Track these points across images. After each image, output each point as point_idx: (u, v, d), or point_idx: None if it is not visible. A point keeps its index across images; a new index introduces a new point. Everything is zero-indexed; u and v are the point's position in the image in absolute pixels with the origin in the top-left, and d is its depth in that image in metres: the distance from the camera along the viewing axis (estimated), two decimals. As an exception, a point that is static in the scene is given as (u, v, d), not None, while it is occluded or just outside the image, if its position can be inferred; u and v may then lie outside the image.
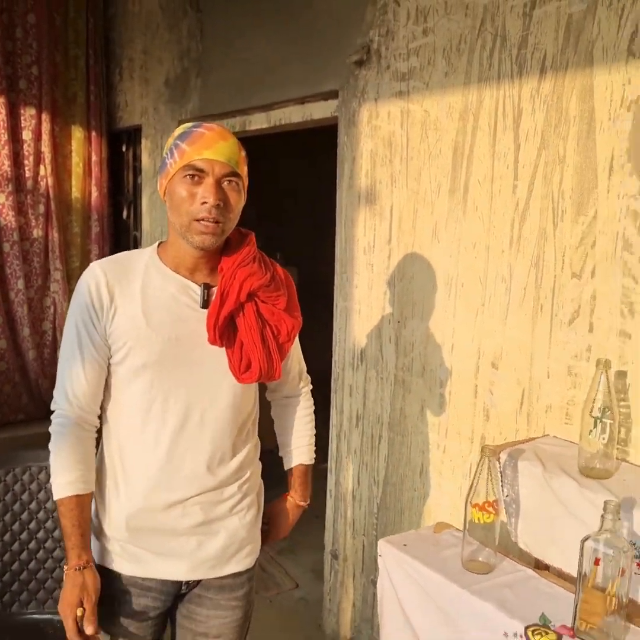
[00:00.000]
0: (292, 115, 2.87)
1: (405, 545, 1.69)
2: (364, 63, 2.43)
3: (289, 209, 5.59)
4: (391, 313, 2.41)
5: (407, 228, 2.33)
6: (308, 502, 1.79)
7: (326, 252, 3.26)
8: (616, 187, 1.76)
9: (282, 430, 1.80)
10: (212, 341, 1.47)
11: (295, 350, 1.74)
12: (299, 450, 1.76)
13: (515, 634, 1.40)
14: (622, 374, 1.77)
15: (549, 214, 1.92)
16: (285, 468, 1.78)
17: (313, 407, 1.81)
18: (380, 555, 1.71)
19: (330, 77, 2.61)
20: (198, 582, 1.59)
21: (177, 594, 1.59)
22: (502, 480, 1.72)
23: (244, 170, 1.49)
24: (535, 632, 1.38)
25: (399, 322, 2.38)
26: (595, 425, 1.62)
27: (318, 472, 3.37)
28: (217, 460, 1.54)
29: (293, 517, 1.78)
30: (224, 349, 1.49)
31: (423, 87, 2.24)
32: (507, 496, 1.72)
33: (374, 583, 2.52)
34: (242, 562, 1.60)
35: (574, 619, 1.37)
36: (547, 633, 1.38)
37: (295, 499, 1.77)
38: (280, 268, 1.60)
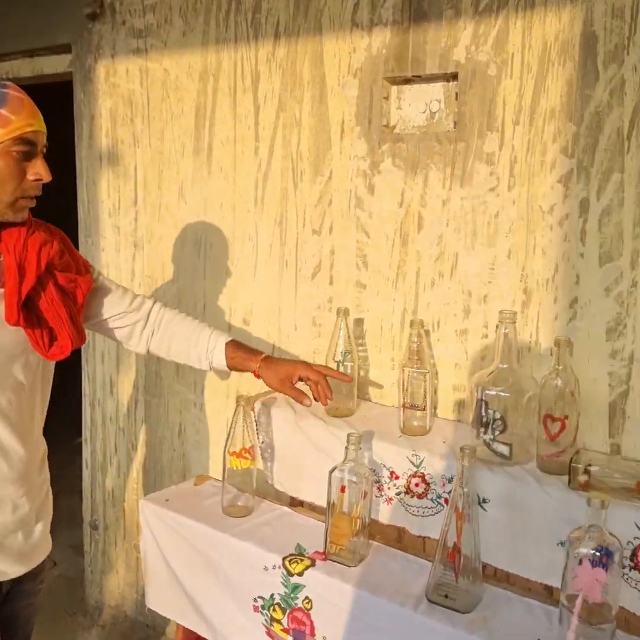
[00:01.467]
0: (21, 69, 2.67)
1: (167, 500, 1.71)
2: (97, 17, 2.33)
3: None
4: (141, 275, 2.38)
5: (152, 189, 2.31)
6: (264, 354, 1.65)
7: (73, 216, 3.10)
8: (347, 149, 1.90)
9: (179, 344, 1.66)
10: (15, 322, 1.31)
11: (101, 284, 1.59)
12: (212, 337, 1.64)
13: (274, 566, 1.50)
14: (359, 322, 1.94)
15: (289, 174, 2.02)
16: (224, 366, 1.64)
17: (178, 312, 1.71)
18: (141, 514, 1.72)
19: (62, 30, 2.47)
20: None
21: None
22: (257, 428, 1.81)
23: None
24: (292, 561, 1.49)
25: (149, 284, 2.36)
26: (337, 368, 1.76)
27: (73, 447, 3.26)
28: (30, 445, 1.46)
29: (281, 361, 1.66)
30: (20, 329, 1.34)
31: (161, 46, 2.22)
32: (262, 442, 1.81)
33: (137, 548, 2.51)
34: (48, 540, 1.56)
35: (325, 543, 1.50)
36: (302, 560, 1.49)
37: (259, 361, 1.62)
38: (53, 227, 1.48)
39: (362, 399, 1.91)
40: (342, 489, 1.47)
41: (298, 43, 1.95)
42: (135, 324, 1.64)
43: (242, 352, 1.64)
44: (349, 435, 1.46)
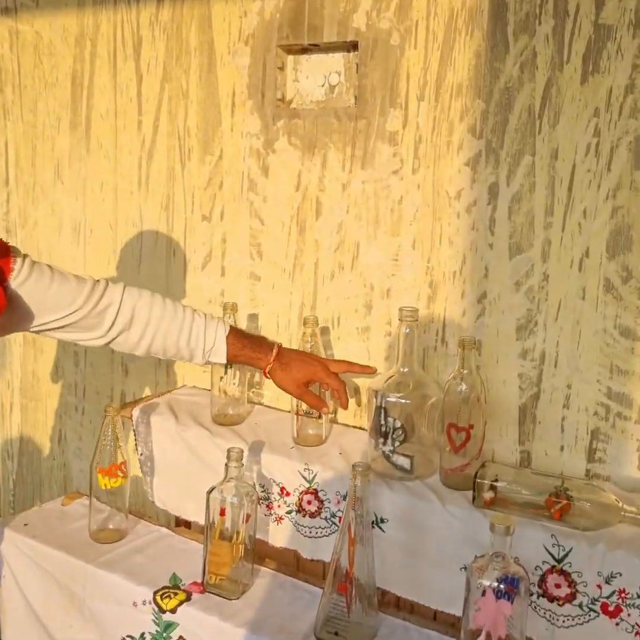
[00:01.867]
0: None
1: (26, 524, 1.49)
2: (-39, -30, 2.05)
3: None
4: (15, 265, 2.12)
5: (26, 167, 2.05)
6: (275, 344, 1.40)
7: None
8: (239, 125, 1.71)
9: (165, 338, 1.34)
10: None
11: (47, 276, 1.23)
12: (209, 327, 1.35)
13: (144, 602, 1.31)
14: (253, 317, 1.75)
15: (176, 152, 1.80)
16: (223, 359, 1.36)
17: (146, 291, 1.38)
18: (-2, 542, 1.49)
19: None
20: None
21: None
22: (135, 438, 1.60)
23: None
24: (164, 595, 1.30)
25: (24, 274, 2.11)
26: (225, 371, 1.57)
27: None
28: None
29: (297, 355, 1.40)
30: None
31: (32, 6, 1.96)
32: (141, 454, 1.61)
33: (16, 566, 2.27)
34: None
35: (203, 573, 1.32)
36: (176, 594, 1.30)
37: (269, 357, 1.37)
38: None
39: (257, 403, 1.73)
40: (222, 512, 1.28)
41: (184, 5, 1.73)
42: (102, 313, 1.29)
43: (249, 350, 1.37)
44: (229, 451, 1.28)
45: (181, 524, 1.61)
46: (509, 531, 1.03)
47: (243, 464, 1.29)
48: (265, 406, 1.73)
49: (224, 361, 1.37)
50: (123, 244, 1.92)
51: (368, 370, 1.43)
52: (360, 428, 1.61)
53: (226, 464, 1.28)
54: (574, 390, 1.40)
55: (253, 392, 1.76)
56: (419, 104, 1.49)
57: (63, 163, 1.98)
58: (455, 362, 1.47)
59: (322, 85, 1.64)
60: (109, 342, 1.33)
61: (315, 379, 1.38)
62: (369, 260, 1.59)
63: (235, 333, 1.38)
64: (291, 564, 1.45)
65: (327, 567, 1.43)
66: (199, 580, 1.33)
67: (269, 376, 1.38)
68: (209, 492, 1.29)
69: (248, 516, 1.28)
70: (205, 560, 1.31)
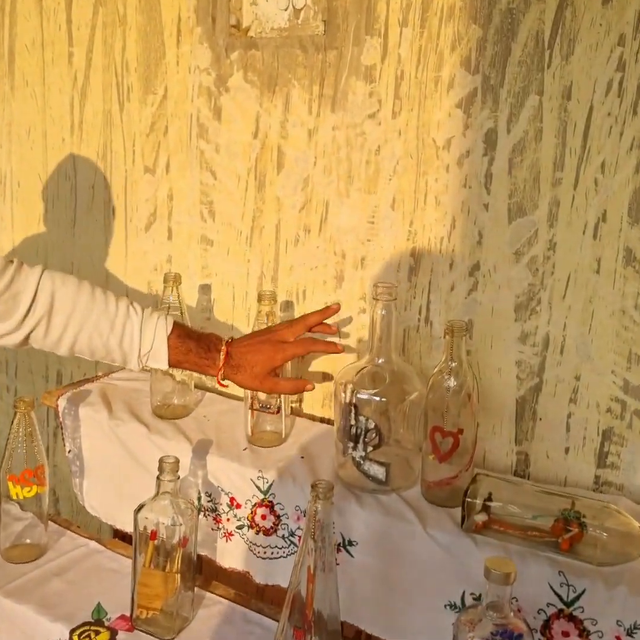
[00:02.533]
0: None
1: None
2: None
3: None
4: None
5: (-59, 108, 1.75)
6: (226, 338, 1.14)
7: None
8: (186, 57, 1.42)
9: (83, 331, 1.09)
10: None
11: None
12: (147, 326, 1.10)
13: (59, 642, 1.07)
14: (205, 289, 1.49)
15: (114, 91, 1.52)
16: (166, 365, 1.11)
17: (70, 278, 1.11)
18: None
19: None
20: None
21: None
22: (62, 433, 1.36)
23: None
24: (83, 635, 1.06)
25: (-55, 235, 1.83)
26: (167, 356, 1.31)
27: None
28: None
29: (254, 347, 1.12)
30: None
31: None
32: (69, 451, 1.36)
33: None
34: None
35: (132, 608, 1.08)
36: (98, 633, 1.07)
37: (219, 363, 1.11)
38: None
39: (208, 389, 1.48)
40: (152, 536, 1.04)
41: None
42: (14, 299, 1.05)
43: (195, 355, 1.12)
44: (161, 461, 1.03)
45: (120, 534, 1.37)
46: (509, 579, 0.79)
47: (179, 477, 1.04)
48: (218, 394, 1.48)
49: (165, 367, 1.12)
50: (55, 200, 1.64)
51: (333, 349, 1.16)
52: (329, 421, 1.37)
53: (158, 477, 1.03)
54: (584, 383, 1.17)
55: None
56: (401, 30, 1.21)
57: (-17, 104, 1.69)
58: (441, 347, 1.23)
59: (285, 10, 1.35)
60: (26, 338, 1.07)
61: (278, 365, 1.13)
62: (340, 222, 1.33)
63: (178, 333, 1.12)
64: (248, 587, 1.22)
65: (281, 591, 1.21)
66: (128, 613, 1.09)
67: (224, 384, 1.12)
68: (137, 511, 1.04)
69: (185, 540, 1.04)
70: (133, 592, 1.07)
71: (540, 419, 1.21)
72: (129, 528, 1.32)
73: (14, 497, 1.18)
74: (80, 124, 1.57)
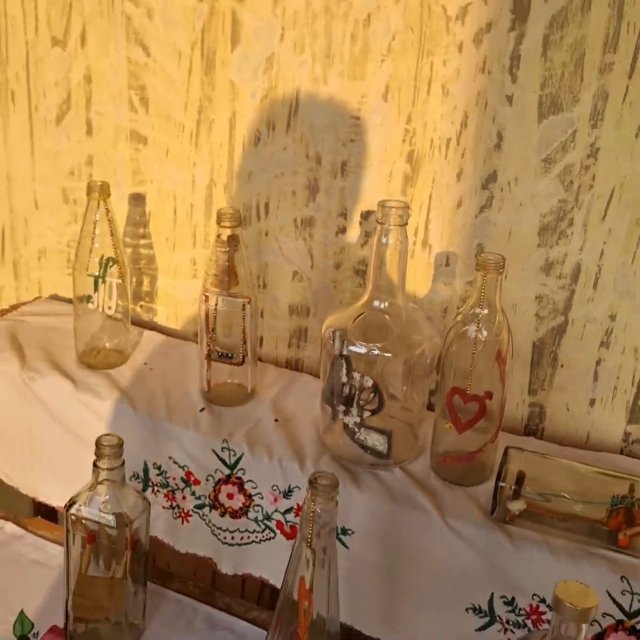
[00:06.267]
0: None
1: None
2: None
3: None
4: None
5: None
6: None
7: None
8: None
9: None
10: None
11: None
12: None
13: (-29, 670, 0.83)
14: (139, 200, 1.19)
15: None
16: None
17: None
18: None
19: None
20: None
21: None
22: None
23: None
24: (4, 661, 0.83)
25: None
26: (96, 289, 1.03)
27: None
28: None
29: None
30: None
31: None
32: (-28, 409, 1.08)
33: None
34: None
35: (66, 622, 0.84)
36: (22, 655, 0.83)
37: None
38: None
39: (146, 326, 1.21)
40: (90, 538, 0.79)
41: None
42: None
43: None
44: (98, 443, 0.76)
45: (43, 508, 1.12)
46: (588, 617, 0.59)
47: (123, 462, 0.78)
48: (159, 331, 1.20)
49: None
50: None
51: None
52: (297, 367, 1.13)
53: (95, 464, 0.77)
54: (620, 323, 0.96)
55: (140, 306, 1.24)
56: None
57: None
58: (441, 277, 1.00)
59: None
60: None
61: None
62: (315, 116, 1.03)
63: None
64: (203, 574, 1.00)
65: (251, 585, 1.00)
66: (61, 624, 0.85)
67: None
68: (67, 507, 0.79)
69: (134, 539, 0.80)
70: (67, 604, 0.83)
71: (562, 365, 1.00)
72: (54, 501, 1.07)
73: None
74: (-39, -23, 1.18)
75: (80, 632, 0.84)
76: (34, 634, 0.86)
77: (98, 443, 0.77)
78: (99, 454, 0.77)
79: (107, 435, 0.78)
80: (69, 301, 1.25)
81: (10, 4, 1.17)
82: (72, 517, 0.79)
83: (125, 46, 1.12)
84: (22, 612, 0.88)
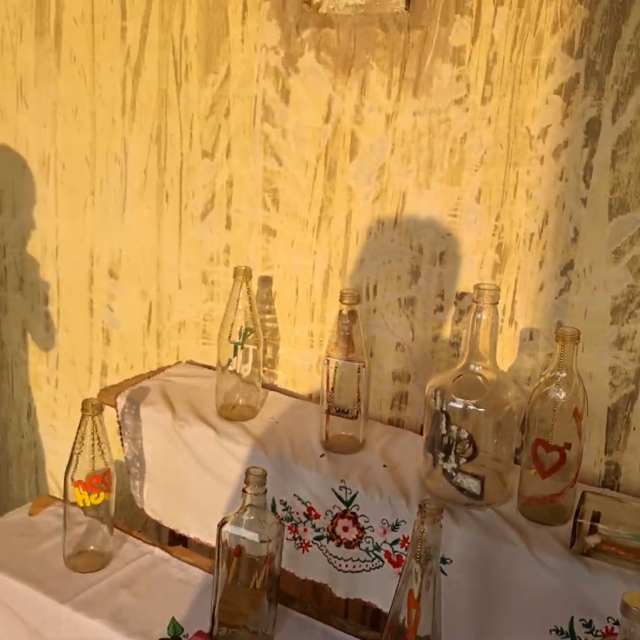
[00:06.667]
0: None
1: (-17, 546, 1.19)
2: None
3: None
4: (-29, 206, 1.76)
5: (-19, 85, 1.66)
6: None
7: None
8: (252, 35, 1.33)
9: None
10: None
11: None
12: None
13: (135, 661, 1.01)
14: (266, 281, 1.42)
15: (171, 69, 1.43)
16: None
17: None
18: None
19: None
20: None
21: None
22: (120, 433, 1.29)
23: None
24: (162, 655, 1.01)
25: (-17, 217, 1.75)
26: (235, 354, 1.25)
27: None
28: None
29: None
30: None
31: None
32: (128, 453, 1.30)
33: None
34: None
35: (212, 626, 1.02)
36: (177, 652, 1.01)
37: None
38: None
39: (268, 388, 1.41)
40: (237, 551, 0.98)
41: None
42: None
43: None
44: (248, 473, 0.96)
45: (175, 537, 1.31)
46: (655, 619, 0.73)
47: (266, 490, 0.97)
48: (280, 391, 1.41)
49: None
50: (103, 184, 1.56)
51: None
52: (398, 424, 1.31)
53: (244, 490, 0.97)
54: (686, 392, 1.10)
55: (263, 371, 1.45)
56: (495, 9, 1.13)
57: (27, 81, 1.60)
58: (526, 349, 1.17)
59: (362, -15, 1.27)
60: None
61: None
62: (419, 214, 1.25)
63: None
64: (310, 597, 1.16)
65: (354, 608, 1.16)
66: (206, 630, 1.03)
67: None
68: (221, 525, 0.98)
69: (270, 557, 0.98)
70: (214, 609, 1.01)
71: (634, 428, 1.14)
72: (192, 533, 1.26)
73: (81, 505, 1.11)
74: (133, 104, 1.48)
75: (222, 635, 1.02)
76: (184, 635, 1.04)
77: (247, 473, 0.96)
78: (247, 482, 0.96)
79: (254, 467, 0.97)
80: (203, 365, 1.48)
81: (170, 125, 1.45)
82: (224, 534, 0.98)
83: (262, 158, 1.37)
84: (173, 618, 1.06)
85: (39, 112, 1.60)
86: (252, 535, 0.97)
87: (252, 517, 0.97)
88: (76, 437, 1.11)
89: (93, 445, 1.10)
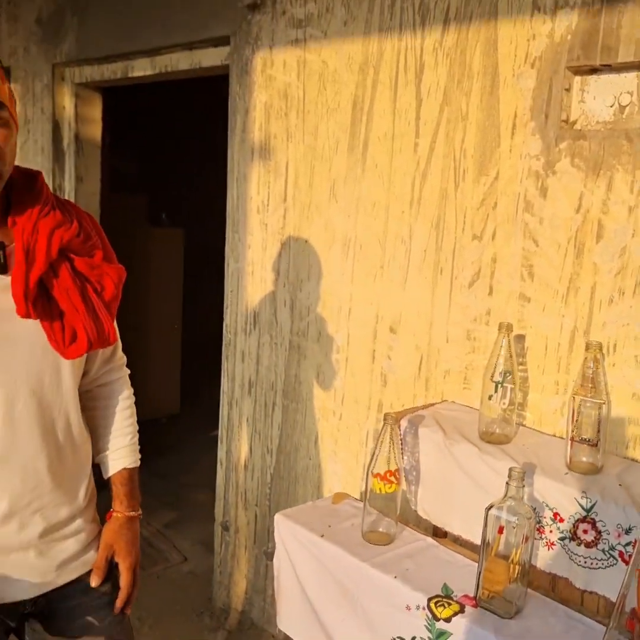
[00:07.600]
0: (180, 62, 2.68)
1: (301, 518, 1.61)
2: (257, 7, 2.27)
3: (177, 168, 5.35)
4: (286, 275, 2.30)
5: (303, 186, 2.22)
6: (140, 512, 1.44)
7: (215, 214, 3.11)
8: (519, 146, 1.72)
9: (98, 427, 1.42)
10: (24, 314, 1.17)
11: None
12: (120, 453, 1.41)
13: (418, 607, 1.36)
14: (520, 338, 1.75)
15: (451, 173, 1.86)
16: (105, 476, 1.43)
17: (133, 397, 1.46)
18: (276, 530, 1.62)
19: (221, 22, 2.43)
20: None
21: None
22: (402, 448, 1.67)
23: (6, 94, 1.15)
24: (438, 604, 1.34)
25: (294, 284, 2.28)
26: (496, 390, 1.59)
27: (208, 440, 3.24)
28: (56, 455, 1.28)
29: (130, 534, 1.40)
30: (38, 321, 1.20)
31: (321, 36, 2.12)
32: (407, 464, 1.67)
33: (267, 555, 2.45)
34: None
35: (477, 588, 1.34)
36: (449, 604, 1.34)
37: (122, 512, 1.41)
38: (81, 209, 1.32)
39: (520, 424, 1.72)
40: (500, 530, 1.30)
41: (469, 30, 1.78)
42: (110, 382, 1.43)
43: (116, 490, 1.43)
44: (511, 470, 1.29)
45: (438, 534, 1.65)
46: None
47: (524, 485, 1.29)
48: (529, 428, 1.72)
49: (107, 476, 1.43)
50: (390, 260, 2.01)
51: (120, 605, 1.37)
52: (634, 460, 1.55)
53: (507, 483, 1.29)
54: None
55: (515, 412, 1.76)
56: None
57: (339, 183, 2.12)
58: None
59: (611, 106, 1.61)
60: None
61: (112, 552, 1.37)
62: (655, 287, 1.53)
63: (125, 471, 1.42)
64: (547, 588, 1.43)
65: (589, 599, 1.40)
66: (471, 594, 1.35)
67: (112, 522, 1.40)
68: (488, 509, 1.31)
69: (526, 537, 1.29)
70: (479, 575, 1.33)
71: None
72: (457, 531, 1.59)
73: (377, 492, 1.50)
74: (419, 200, 1.93)
75: (483, 598, 1.33)
76: (454, 595, 1.37)
77: (511, 470, 1.29)
78: (510, 476, 1.29)
79: (516, 467, 1.30)
80: (463, 406, 1.83)
81: (448, 214, 1.87)
82: (490, 516, 1.30)
83: (522, 240, 1.73)
84: (445, 583, 1.39)
85: (345, 206, 2.11)
86: (512, 518, 1.29)
87: (511, 504, 1.29)
88: (377, 440, 1.51)
89: (389, 447, 1.50)
